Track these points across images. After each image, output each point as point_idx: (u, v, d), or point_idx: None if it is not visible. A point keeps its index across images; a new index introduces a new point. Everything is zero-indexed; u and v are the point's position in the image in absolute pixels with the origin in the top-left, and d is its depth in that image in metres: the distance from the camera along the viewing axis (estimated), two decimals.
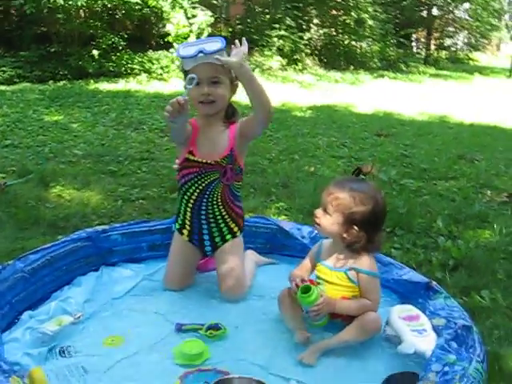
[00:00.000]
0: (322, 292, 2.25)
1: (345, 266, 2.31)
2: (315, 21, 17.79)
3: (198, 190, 2.65)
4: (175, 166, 2.70)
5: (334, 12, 18.26)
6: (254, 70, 14.21)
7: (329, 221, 2.27)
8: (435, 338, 2.17)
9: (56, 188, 4.49)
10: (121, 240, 3.03)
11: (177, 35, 12.37)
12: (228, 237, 2.74)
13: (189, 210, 2.71)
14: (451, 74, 20.22)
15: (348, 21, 17.82)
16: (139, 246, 3.08)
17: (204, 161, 2.61)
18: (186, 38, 12.36)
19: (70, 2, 10.56)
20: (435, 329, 2.23)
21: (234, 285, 2.66)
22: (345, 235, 2.27)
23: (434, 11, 26.92)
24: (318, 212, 2.31)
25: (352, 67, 17.60)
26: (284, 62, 15.71)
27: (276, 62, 15.46)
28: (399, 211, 4.13)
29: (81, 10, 11.51)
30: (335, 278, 2.32)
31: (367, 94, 12.70)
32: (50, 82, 10.69)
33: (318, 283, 2.32)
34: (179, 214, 2.76)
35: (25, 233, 3.56)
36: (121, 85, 10.98)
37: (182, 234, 2.77)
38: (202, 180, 2.63)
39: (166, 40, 12.42)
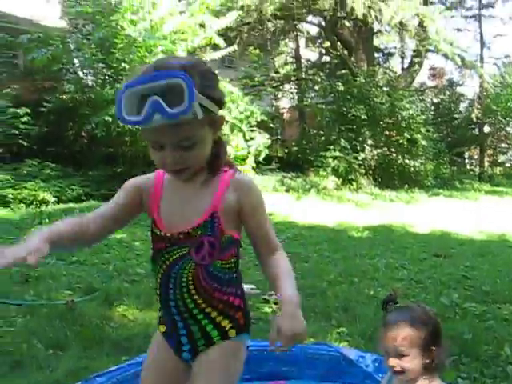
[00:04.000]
0: None
1: None
2: (369, 141, 18.24)
3: (161, 271, 1.81)
4: None
5: (387, 132, 18.72)
6: (309, 190, 14.58)
7: (409, 362, 2.23)
8: None
9: (120, 307, 4.59)
10: None
11: (235, 157, 12.94)
12: (216, 338, 1.82)
13: (157, 298, 1.87)
14: (507, 190, 20.07)
15: (401, 141, 18.18)
16: None
17: (167, 234, 1.78)
18: (244, 160, 12.90)
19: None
20: None
21: None
22: (427, 361, 2.24)
23: (486, 129, 27.26)
24: (394, 361, 2.20)
25: (406, 186, 17.76)
26: (339, 181, 16.05)
27: (331, 181, 15.82)
28: (464, 337, 4.01)
29: None
30: None
31: (423, 212, 12.69)
32: None
33: None
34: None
35: (89, 352, 3.62)
36: None
37: (159, 329, 1.94)
38: (166, 257, 1.80)
39: None
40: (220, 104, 1.73)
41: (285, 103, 22.99)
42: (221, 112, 1.75)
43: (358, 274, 6.07)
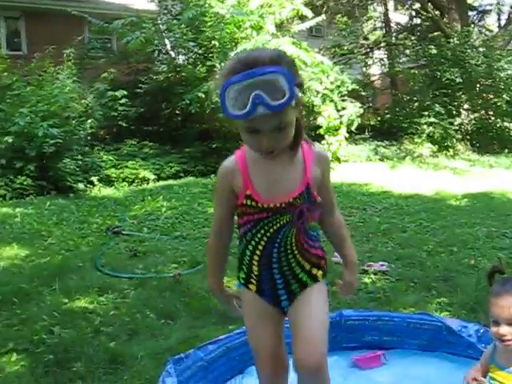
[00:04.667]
0: None
1: None
2: (465, 105, 17.56)
3: (265, 238, 2.04)
4: None
5: (484, 95, 17.92)
6: (404, 158, 14.31)
7: None
8: None
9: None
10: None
11: (328, 127, 12.90)
12: (309, 282, 2.14)
13: (255, 262, 2.10)
14: None
15: (499, 103, 17.36)
16: None
17: (270, 206, 1.99)
18: (336, 130, 12.82)
19: None
20: None
21: (310, 352, 2.02)
22: None
23: None
24: (504, 330, 2.19)
25: (507, 150, 16.98)
26: (435, 148, 15.61)
27: (427, 149, 15.42)
28: None
29: None
30: None
31: None
32: (212, 175, 11.50)
33: None
34: (242, 268, 2.17)
35: (198, 322, 3.84)
36: None
37: (250, 289, 2.17)
38: (270, 225, 2.03)
39: (317, 132, 12.92)
40: (302, 87, 1.93)
41: (375, 70, 22.47)
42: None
43: (458, 244, 5.96)
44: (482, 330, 3.05)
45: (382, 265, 4.98)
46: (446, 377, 2.82)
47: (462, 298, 4.16)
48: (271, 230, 2.03)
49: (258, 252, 2.08)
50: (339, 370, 2.94)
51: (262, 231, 2.03)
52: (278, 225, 2.02)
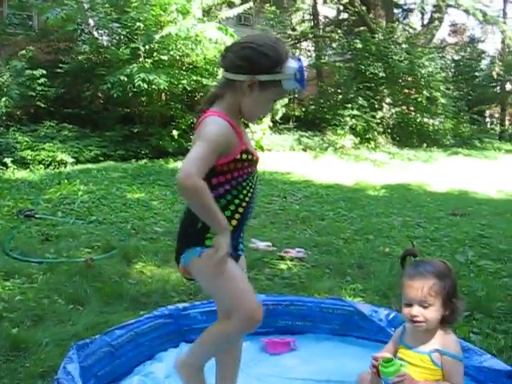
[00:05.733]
0: (405, 369, 2.24)
1: (429, 349, 2.30)
2: (387, 100, 18.01)
3: (251, 191, 2.25)
4: None
5: (406, 91, 18.45)
6: (326, 149, 14.53)
7: (433, 312, 2.24)
8: None
9: (138, 264, 4.68)
10: (200, 318, 3.13)
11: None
12: None
13: (237, 216, 2.23)
14: None
15: (420, 99, 17.92)
16: None
17: (257, 159, 2.30)
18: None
19: (153, 86, 11.21)
20: None
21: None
22: (446, 313, 2.27)
23: (508, 86, 26.72)
24: (416, 311, 2.24)
25: (425, 145, 17.59)
26: (357, 140, 15.92)
27: (349, 140, 15.70)
28: (477, 294, 4.03)
29: (162, 94, 12.18)
30: (418, 360, 2.30)
31: (441, 171, 12.61)
32: (133, 160, 11.29)
33: (401, 365, 2.30)
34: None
35: (109, 307, 3.71)
36: None
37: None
38: (254, 178, 2.28)
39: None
40: None
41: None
42: None
43: (374, 232, 6.10)
44: (392, 315, 3.09)
45: (299, 251, 5.00)
46: (356, 360, 2.83)
47: (376, 284, 4.23)
48: (253, 180, 2.27)
49: (243, 205, 2.23)
50: (251, 355, 2.92)
51: (251, 183, 2.25)
52: (256, 175, 2.29)
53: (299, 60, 2.18)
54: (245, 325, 2.20)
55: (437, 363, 2.27)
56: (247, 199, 2.24)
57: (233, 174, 2.18)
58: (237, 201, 2.21)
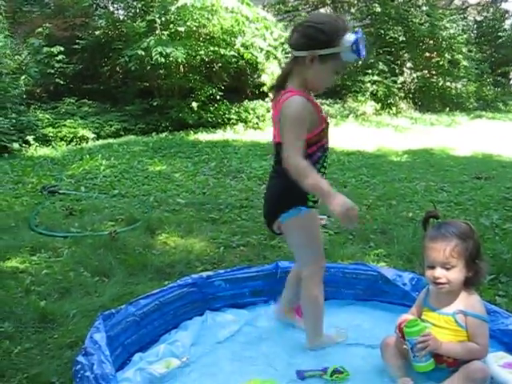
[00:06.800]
0: (429, 329, 2.24)
1: (452, 310, 2.28)
2: (408, 64, 17.70)
3: (327, 159, 2.64)
4: None
5: (427, 54, 18.09)
6: (347, 116, 14.36)
7: (456, 273, 2.23)
8: None
9: (161, 235, 4.71)
10: (224, 286, 3.15)
11: (271, 85, 12.74)
12: None
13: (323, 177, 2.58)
14: None
15: (442, 62, 17.57)
16: (242, 291, 3.19)
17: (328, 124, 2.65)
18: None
19: (171, 59, 11.15)
20: None
21: None
22: (470, 274, 2.25)
23: None
24: (438, 272, 2.24)
25: (448, 109, 17.29)
26: (378, 106, 15.71)
27: (370, 106, 15.49)
28: (503, 257, 3.99)
29: (180, 66, 12.11)
30: (443, 321, 2.29)
31: (464, 135, 12.39)
32: (153, 133, 11.31)
33: (425, 326, 2.29)
34: (307, 194, 2.56)
35: (134, 278, 3.76)
36: (219, 135, 11.43)
37: (315, 208, 2.66)
38: (327, 145, 2.65)
39: (261, 90, 12.78)
40: None
41: None
42: None
43: (397, 198, 6.04)
44: (416, 279, 3.08)
45: (322, 218, 4.96)
46: (380, 324, 2.84)
47: (399, 249, 4.21)
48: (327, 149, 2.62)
49: (325, 165, 2.61)
50: (277, 321, 2.95)
51: (327, 152, 2.61)
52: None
53: (356, 33, 2.40)
54: (320, 275, 2.69)
55: (461, 324, 2.26)
56: (327, 160, 2.63)
57: (321, 141, 2.56)
58: (324, 163, 2.61)
